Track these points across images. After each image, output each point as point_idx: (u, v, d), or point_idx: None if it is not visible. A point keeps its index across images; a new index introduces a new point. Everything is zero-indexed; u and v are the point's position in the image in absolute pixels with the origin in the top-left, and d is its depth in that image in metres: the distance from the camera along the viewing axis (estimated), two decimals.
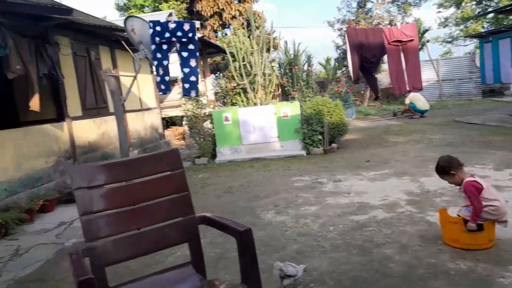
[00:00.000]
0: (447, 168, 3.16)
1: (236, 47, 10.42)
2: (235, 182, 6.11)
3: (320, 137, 8.01)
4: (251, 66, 10.34)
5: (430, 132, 9.04)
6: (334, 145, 8.23)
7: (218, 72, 20.31)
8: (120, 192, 1.85)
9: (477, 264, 2.76)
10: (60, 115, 6.85)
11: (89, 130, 7.51)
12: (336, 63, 18.04)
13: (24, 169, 5.62)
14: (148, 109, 10.50)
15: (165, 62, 5.35)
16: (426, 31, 20.00)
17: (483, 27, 29.41)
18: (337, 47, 21.05)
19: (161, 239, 1.91)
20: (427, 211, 3.93)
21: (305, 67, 14.87)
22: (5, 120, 6.67)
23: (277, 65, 15.51)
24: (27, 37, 5.68)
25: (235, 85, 12.26)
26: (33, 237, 4.45)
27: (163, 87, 5.36)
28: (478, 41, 22.52)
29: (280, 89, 14.98)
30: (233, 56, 10.72)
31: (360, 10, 21.01)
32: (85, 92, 7.46)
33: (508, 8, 10.85)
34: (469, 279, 2.58)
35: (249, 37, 10.58)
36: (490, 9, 25.39)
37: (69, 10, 5.46)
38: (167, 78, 5.33)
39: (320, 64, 19.11)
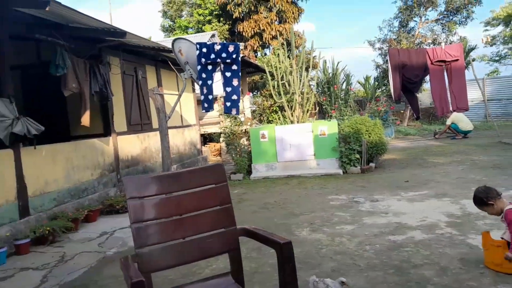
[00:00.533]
0: (484, 199, 3.12)
1: (275, 66, 10.64)
2: (271, 199, 6.19)
3: (357, 156, 7.97)
4: (289, 85, 10.51)
5: (473, 154, 8.74)
6: (372, 164, 8.15)
7: (255, 91, 20.69)
8: (168, 203, 2.01)
9: None
10: (107, 130, 7.27)
11: (132, 145, 7.90)
12: (376, 82, 17.88)
13: (72, 180, 6.00)
14: (188, 125, 10.87)
15: (209, 82, 5.61)
16: (472, 49, 19.43)
17: None
18: (377, 66, 20.86)
19: (204, 248, 2.04)
20: (468, 233, 3.83)
21: (344, 86, 14.88)
22: (58, 135, 7.18)
23: (315, 84, 15.62)
24: (83, 58, 6.15)
25: (272, 103, 12.47)
26: (78, 245, 4.72)
27: (206, 105, 5.61)
28: None
29: (317, 108, 15.06)
30: (271, 75, 10.95)
31: (402, 29, 20.78)
32: (130, 109, 7.89)
33: None
34: None
35: (288, 56, 10.79)
36: None
37: (123, 33, 5.88)
38: (210, 97, 5.58)
39: (359, 82, 19.04)
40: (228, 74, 5.43)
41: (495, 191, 3.15)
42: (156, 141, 7.70)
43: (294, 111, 10.51)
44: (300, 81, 10.41)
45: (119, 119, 7.49)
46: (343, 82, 15.03)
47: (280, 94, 10.51)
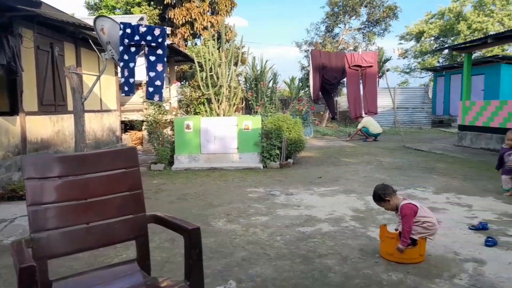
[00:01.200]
0: (382, 195, 3.42)
1: (205, 58, 10.54)
2: (190, 190, 6.15)
3: (277, 151, 8.24)
4: (217, 78, 10.49)
5: (381, 155, 9.53)
6: (290, 160, 8.48)
7: (184, 81, 20.29)
8: (72, 186, 1.90)
9: (407, 276, 2.99)
10: (13, 109, 6.63)
11: (43, 127, 7.30)
12: (300, 83, 18.58)
13: None
14: (108, 110, 10.33)
15: (131, 65, 5.37)
16: (387, 60, 21.10)
17: (438, 61, 31.43)
18: (303, 67, 21.72)
19: (109, 234, 1.96)
20: (369, 226, 4.19)
21: (271, 84, 15.25)
22: None
23: (243, 79, 15.79)
24: None
25: (200, 94, 12.34)
26: None
27: (126, 88, 5.38)
28: (432, 74, 24.04)
29: (244, 103, 15.23)
30: (200, 66, 10.83)
31: (328, 34, 21.87)
32: (43, 88, 7.27)
33: (461, 46, 11.73)
34: None
35: (218, 49, 10.75)
36: (446, 46, 27.22)
37: (38, 3, 5.38)
38: (131, 80, 5.35)
39: (285, 82, 19.62)
40: (152, 58, 5.26)
41: (392, 188, 3.48)
42: (71, 124, 7.18)
43: (220, 104, 10.52)
44: (228, 74, 10.45)
45: (30, 98, 6.86)
46: (270, 80, 15.39)
47: (208, 86, 10.45)
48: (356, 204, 5.15)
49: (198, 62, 11.15)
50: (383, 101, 17.44)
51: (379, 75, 23.21)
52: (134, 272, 1.94)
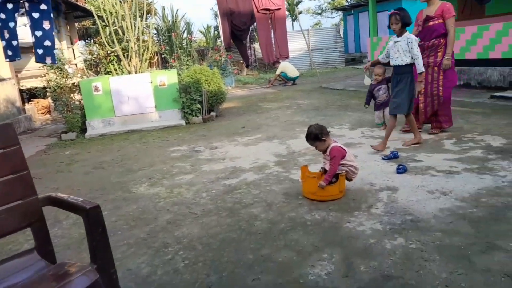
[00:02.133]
0: (319, 135, 3.47)
1: (105, 11, 9.56)
2: (107, 157, 5.76)
3: (199, 106, 8.00)
4: (123, 32, 9.65)
5: (299, 98, 9.73)
6: (213, 113, 8.31)
7: (89, 38, 18.49)
8: None
9: (329, 213, 3.11)
10: None
11: None
12: (216, 32, 17.97)
13: None
14: (1, 79, 9.09)
15: (11, 24, 4.63)
16: (299, 2, 21.12)
17: (347, 1, 32.20)
18: (216, 14, 20.90)
19: None
20: (291, 170, 4.28)
21: (185, 35, 14.50)
22: None
23: (155, 32, 14.80)
24: None
25: (109, 52, 11.35)
26: None
27: (10, 53, 4.67)
28: (342, 13, 24.66)
29: (157, 57, 14.39)
30: (103, 20, 9.84)
31: None
32: None
33: None
34: (322, 227, 2.90)
35: (120, 1, 9.79)
36: None
37: None
38: (14, 43, 4.65)
39: (201, 32, 18.84)
40: (36, 15, 4.57)
41: (326, 129, 3.54)
42: None
43: (130, 60, 9.80)
44: (135, 27, 9.65)
45: None
46: (184, 30, 14.63)
47: (114, 42, 9.59)
48: (278, 149, 5.22)
49: (100, 17, 10.11)
50: (298, 44, 17.62)
51: (292, 18, 23.28)
52: (35, 262, 1.72)
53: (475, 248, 2.39)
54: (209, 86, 8.22)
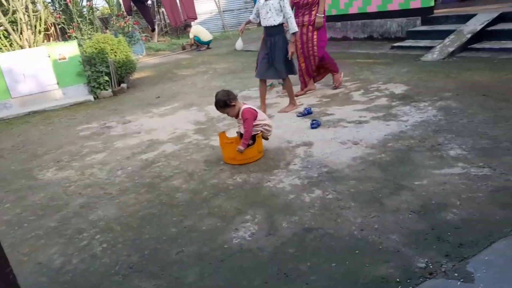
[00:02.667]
0: (227, 101, 3.39)
1: None
2: (6, 144, 5.15)
3: (107, 78, 7.43)
4: (7, 1, 8.47)
5: (215, 63, 9.52)
6: (123, 85, 7.80)
7: None
8: None
9: (250, 175, 3.12)
10: None
11: None
12: None
13: None
14: None
15: None
16: None
17: None
18: None
19: None
20: (211, 136, 4.20)
21: (85, 2, 13.21)
22: None
23: (49, 0, 13.26)
24: None
25: None
26: None
27: None
28: None
29: (54, 29, 13.01)
30: None
31: None
32: None
33: None
34: (244, 189, 2.91)
35: None
36: None
37: None
38: None
39: None
40: None
41: (233, 93, 3.46)
42: None
43: (21, 33, 8.71)
44: None
45: None
46: None
47: None
48: (196, 116, 5.08)
49: None
50: (208, 6, 17.06)
51: None
52: None
53: (385, 191, 2.57)
54: (115, 55, 7.63)
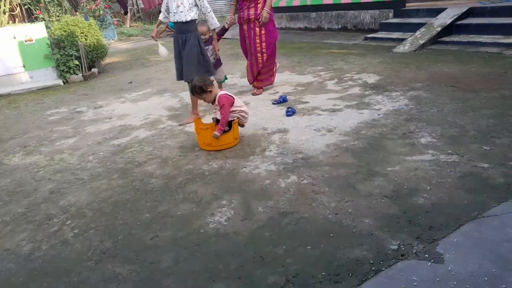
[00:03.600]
0: (204, 87, 3.35)
1: None
2: None
3: (77, 62, 7.19)
4: None
5: None
6: (94, 70, 7.57)
7: None
8: None
9: (226, 162, 3.11)
10: None
11: None
12: None
13: None
14: None
15: None
16: None
17: None
18: None
19: None
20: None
21: None
22: None
23: None
24: None
25: None
26: None
27: None
28: None
29: (19, 9, 12.42)
30: None
31: None
32: None
33: None
34: (220, 175, 2.89)
35: None
36: None
37: None
38: None
39: None
40: None
41: (210, 79, 3.43)
42: None
43: None
44: None
45: None
46: None
47: None
48: (170, 102, 5.00)
49: None
50: None
51: None
52: None
53: (359, 177, 2.62)
54: (86, 39, 7.38)
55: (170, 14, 3.96)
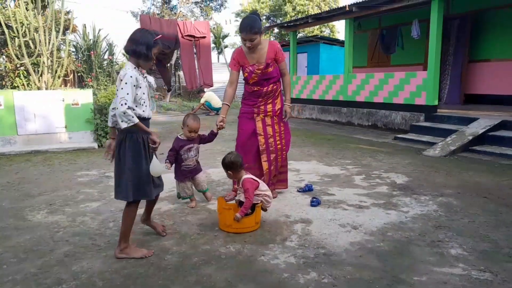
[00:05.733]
0: (236, 165, 3.43)
1: (16, 20, 8.79)
2: (1, 180, 5.09)
3: None
4: (35, 45, 8.91)
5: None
6: None
7: None
8: None
9: (244, 246, 3.02)
10: None
11: None
12: None
13: None
14: None
15: None
16: (225, 36, 21.58)
17: (270, 39, 33.71)
18: None
19: None
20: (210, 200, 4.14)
21: (107, 56, 13.90)
22: None
23: (74, 50, 13.98)
24: None
25: (19, 65, 10.39)
26: None
27: None
28: None
29: (73, 75, 13.56)
30: (12, 30, 9.03)
31: (165, 5, 21.03)
32: None
33: (288, 24, 12.72)
34: (236, 261, 2.79)
35: (35, 13, 9.10)
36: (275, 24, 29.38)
37: None
38: None
39: (123, 55, 18.20)
40: None
41: (242, 160, 3.52)
42: None
43: (41, 76, 9.05)
44: (50, 41, 8.98)
45: None
46: (106, 51, 14.03)
47: (23, 56, 8.81)
48: None
49: (9, 26, 9.27)
50: (223, 76, 17.89)
51: (218, 51, 23.74)
52: None
53: (383, 283, 2.46)
54: None
55: (143, 107, 2.85)
